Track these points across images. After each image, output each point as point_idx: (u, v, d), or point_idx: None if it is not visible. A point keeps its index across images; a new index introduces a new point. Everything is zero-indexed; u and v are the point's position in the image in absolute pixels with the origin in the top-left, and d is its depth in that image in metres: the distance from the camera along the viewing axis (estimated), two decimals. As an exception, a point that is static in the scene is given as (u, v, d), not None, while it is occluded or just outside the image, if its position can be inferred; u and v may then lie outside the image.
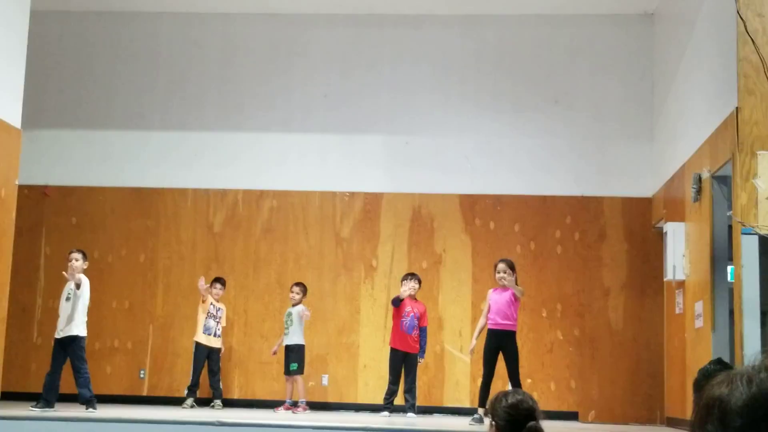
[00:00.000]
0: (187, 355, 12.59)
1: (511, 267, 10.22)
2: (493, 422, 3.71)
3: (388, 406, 11.10)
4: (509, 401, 3.66)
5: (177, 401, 11.88)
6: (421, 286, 11.64)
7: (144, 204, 13.21)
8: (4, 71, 10.51)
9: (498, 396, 3.73)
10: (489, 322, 10.20)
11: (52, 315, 12.31)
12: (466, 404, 12.39)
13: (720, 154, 9.20)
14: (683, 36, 11.13)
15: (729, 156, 8.79)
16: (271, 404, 12.05)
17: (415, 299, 11.48)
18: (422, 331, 11.36)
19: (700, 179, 9.92)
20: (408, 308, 11.31)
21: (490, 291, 10.45)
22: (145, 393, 12.75)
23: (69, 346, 10.06)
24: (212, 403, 11.89)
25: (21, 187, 11.11)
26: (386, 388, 11.28)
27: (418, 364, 11.38)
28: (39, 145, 13.00)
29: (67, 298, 10.14)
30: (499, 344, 10.06)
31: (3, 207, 10.40)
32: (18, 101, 10.77)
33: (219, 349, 12.14)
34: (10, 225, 10.58)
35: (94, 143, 13.39)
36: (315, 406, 11.96)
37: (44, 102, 13.22)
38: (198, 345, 11.96)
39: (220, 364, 12.21)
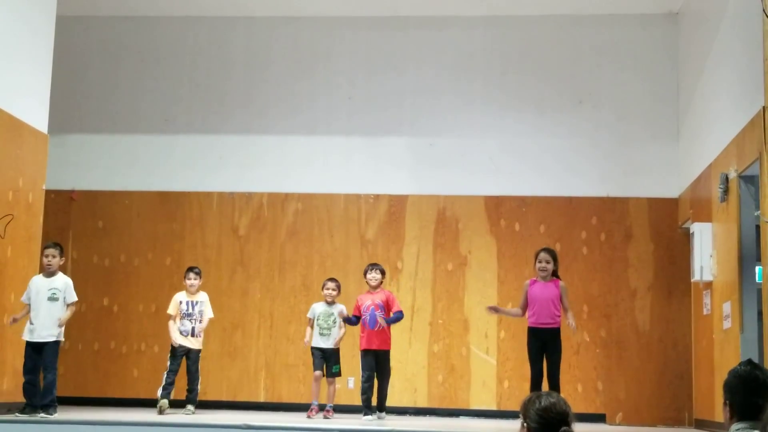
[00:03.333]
0: (212, 358, 12.62)
1: (554, 258, 9.87)
2: (525, 424, 3.69)
3: (369, 407, 10.46)
4: (542, 404, 3.62)
5: (204, 405, 11.86)
6: (385, 276, 10.99)
7: (170, 207, 13.27)
8: (30, 77, 10.59)
9: (531, 398, 3.69)
10: (530, 319, 9.75)
11: (80, 319, 12.38)
12: (493, 406, 12.38)
13: (747, 154, 9.14)
14: (708, 35, 11.07)
15: (756, 155, 8.73)
16: (297, 407, 12.06)
17: (379, 290, 10.75)
18: (396, 314, 10.62)
19: (726, 179, 9.85)
20: (368, 302, 10.61)
21: (528, 282, 9.96)
22: (171, 397, 12.75)
23: (48, 348, 9.54)
24: (185, 408, 10.82)
25: (48, 192, 11.20)
26: (361, 389, 10.59)
27: (379, 326, 10.48)
28: (65, 150, 13.09)
29: (52, 298, 9.60)
30: (544, 343, 9.64)
31: (31, 211, 10.47)
32: (45, 106, 10.86)
33: (198, 351, 10.99)
34: (37, 229, 10.65)
35: (120, 148, 13.46)
36: (341, 409, 11.94)
37: (70, 107, 13.29)
38: (173, 347, 10.93)
39: (198, 368, 11.03)
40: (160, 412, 10.44)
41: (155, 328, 12.84)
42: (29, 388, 9.55)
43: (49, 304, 9.58)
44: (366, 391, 10.47)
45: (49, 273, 9.75)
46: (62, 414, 9.62)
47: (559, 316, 9.71)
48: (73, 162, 13.32)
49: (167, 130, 13.49)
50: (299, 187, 13.18)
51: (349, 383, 12.40)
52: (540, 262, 9.82)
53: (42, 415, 9.30)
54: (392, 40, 13.43)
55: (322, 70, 13.44)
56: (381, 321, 10.47)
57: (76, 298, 9.78)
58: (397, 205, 13.03)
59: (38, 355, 9.54)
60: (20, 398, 9.80)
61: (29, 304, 9.65)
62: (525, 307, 9.89)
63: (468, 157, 13.02)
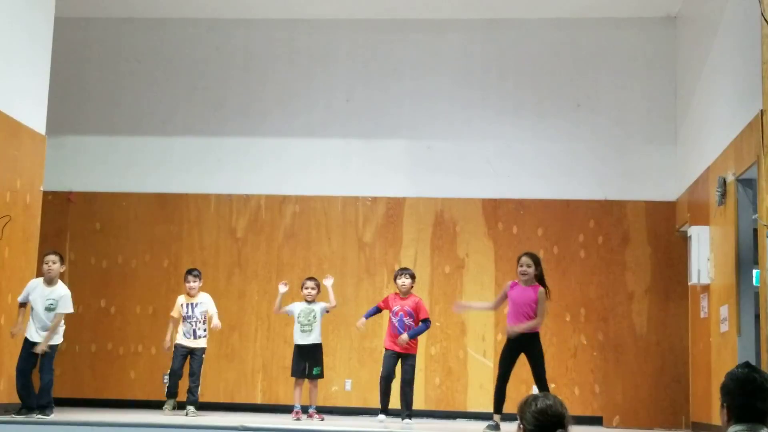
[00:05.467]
0: (209, 360, 12.58)
1: (536, 262, 9.57)
2: (521, 425, 3.69)
3: (385, 410, 10.35)
4: (538, 406, 3.63)
5: (201, 406, 11.81)
6: (414, 280, 10.68)
7: (167, 209, 13.26)
8: (28, 78, 10.58)
9: (527, 400, 3.70)
10: (508, 321, 9.53)
11: (76, 320, 12.36)
12: (490, 409, 12.32)
13: (745, 157, 9.14)
14: (707, 39, 11.08)
15: (754, 159, 8.73)
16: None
17: (408, 295, 10.54)
18: (423, 322, 10.45)
19: (724, 182, 9.86)
20: (397, 307, 10.46)
21: (509, 284, 9.71)
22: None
23: (48, 352, 9.48)
24: (186, 410, 10.73)
25: (45, 193, 11.19)
26: (379, 389, 10.47)
27: (402, 342, 10.26)
28: (63, 152, 13.09)
29: (49, 308, 9.49)
30: (521, 347, 9.42)
31: (28, 213, 10.46)
32: (42, 107, 10.85)
33: (202, 349, 10.98)
34: (35, 231, 10.64)
35: (118, 149, 13.45)
36: (338, 411, 11.95)
37: (68, 108, 13.29)
38: (176, 346, 10.93)
39: (201, 367, 11.01)
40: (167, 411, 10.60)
41: (152, 329, 12.84)
42: (23, 389, 9.46)
43: (46, 314, 9.50)
44: (385, 391, 10.34)
45: (49, 280, 9.62)
46: (59, 415, 9.59)
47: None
48: (70, 163, 13.32)
49: (165, 132, 13.49)
50: (297, 189, 13.18)
51: (347, 385, 12.38)
52: (521, 266, 9.55)
53: (39, 415, 9.24)
54: (390, 43, 13.44)
55: (320, 73, 13.45)
56: (400, 340, 10.28)
57: (70, 310, 9.67)
58: (394, 207, 13.03)
59: (34, 355, 9.47)
60: (17, 399, 9.79)
61: (25, 305, 9.55)
62: (498, 303, 9.92)
63: (466, 160, 13.02)
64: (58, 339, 9.63)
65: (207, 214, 13.25)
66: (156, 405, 12.37)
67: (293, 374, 10.74)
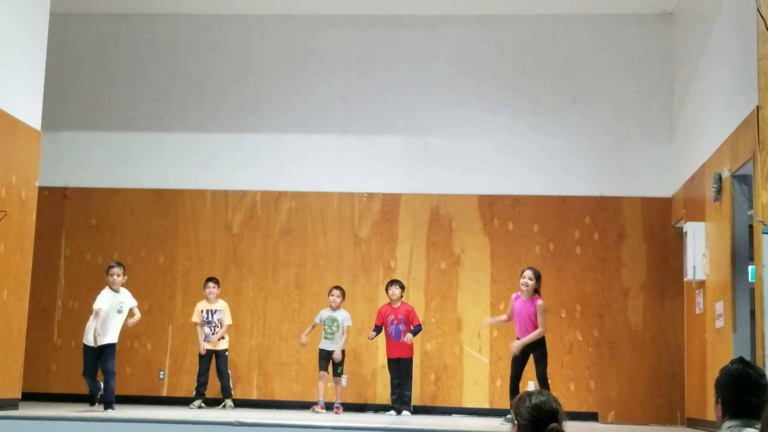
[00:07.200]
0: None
1: (538, 277, 10.22)
2: (516, 422, 3.73)
3: (395, 407, 11.57)
4: (532, 401, 3.67)
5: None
6: (404, 290, 11.91)
7: (163, 205, 13.25)
8: (24, 73, 10.56)
9: (522, 396, 3.75)
10: (516, 334, 10.30)
11: (72, 316, 12.42)
12: (485, 405, 12.39)
13: (740, 153, 9.15)
14: (703, 35, 11.08)
15: (749, 155, 8.75)
16: (290, 405, 12.11)
17: (399, 304, 11.73)
18: (415, 329, 11.66)
19: (720, 179, 9.87)
20: (391, 317, 11.58)
21: (513, 296, 10.45)
22: (164, 394, 12.78)
23: (108, 350, 10.24)
24: (222, 403, 11.96)
25: (41, 189, 11.16)
26: (391, 390, 11.77)
27: (405, 340, 11.55)
28: (59, 147, 13.07)
29: (119, 311, 10.34)
30: (527, 353, 10.15)
31: (23, 208, 10.45)
32: (38, 103, 10.82)
33: (224, 350, 12.05)
34: (30, 226, 10.63)
35: (114, 145, 13.44)
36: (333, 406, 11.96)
37: (64, 104, 13.27)
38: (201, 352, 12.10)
39: (227, 365, 12.11)
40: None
41: (148, 326, 12.82)
42: (91, 386, 10.44)
43: (118, 316, 10.31)
44: (393, 392, 11.66)
45: (115, 289, 10.37)
46: (55, 411, 9.62)
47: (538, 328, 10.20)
48: (66, 159, 13.30)
49: (160, 127, 13.48)
50: (292, 185, 13.18)
51: (343, 381, 12.39)
52: (523, 278, 10.24)
53: (107, 410, 9.99)
54: (386, 38, 13.42)
55: (315, 68, 13.43)
56: (406, 338, 11.53)
57: (135, 303, 10.58)
58: (390, 203, 13.03)
59: (98, 357, 10.23)
60: (12, 395, 9.89)
61: (100, 309, 10.26)
62: (510, 315, 10.46)
63: (462, 156, 13.02)
64: (112, 337, 10.29)
65: (202, 210, 13.24)
66: (151, 401, 12.44)
67: (320, 368, 11.81)
